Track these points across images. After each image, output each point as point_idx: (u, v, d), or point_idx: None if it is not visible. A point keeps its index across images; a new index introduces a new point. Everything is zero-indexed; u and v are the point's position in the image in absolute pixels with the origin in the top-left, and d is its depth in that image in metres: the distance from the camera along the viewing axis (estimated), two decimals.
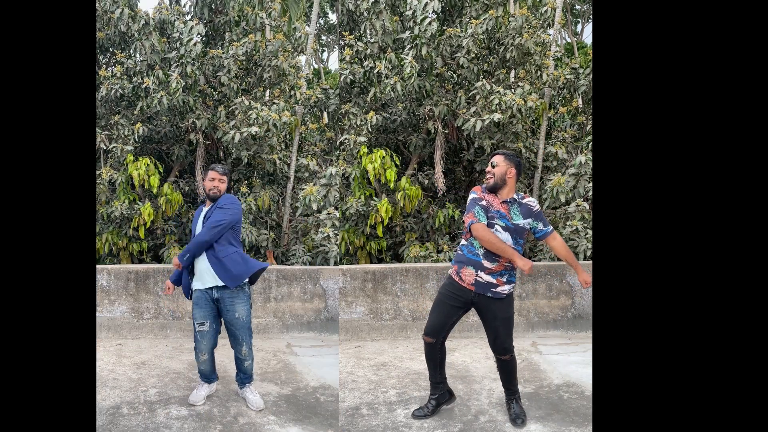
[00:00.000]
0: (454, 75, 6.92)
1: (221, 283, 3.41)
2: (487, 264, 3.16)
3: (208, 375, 3.64)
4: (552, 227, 3.29)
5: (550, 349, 4.68)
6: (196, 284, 3.49)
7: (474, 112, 6.30)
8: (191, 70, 6.53)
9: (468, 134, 6.39)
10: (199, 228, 3.49)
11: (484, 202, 3.20)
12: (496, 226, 3.17)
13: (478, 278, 3.18)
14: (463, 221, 3.30)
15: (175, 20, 6.80)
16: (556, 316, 5.20)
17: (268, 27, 7.10)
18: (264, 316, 5.23)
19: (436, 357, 3.34)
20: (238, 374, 3.64)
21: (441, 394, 3.40)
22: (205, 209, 3.55)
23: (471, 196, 3.26)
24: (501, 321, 3.20)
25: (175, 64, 6.65)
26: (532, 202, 3.27)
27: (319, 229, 6.10)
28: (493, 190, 3.21)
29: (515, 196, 3.24)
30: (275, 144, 6.94)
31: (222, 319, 3.54)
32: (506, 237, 3.16)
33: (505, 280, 3.19)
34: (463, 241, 3.31)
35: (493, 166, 3.21)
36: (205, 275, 3.44)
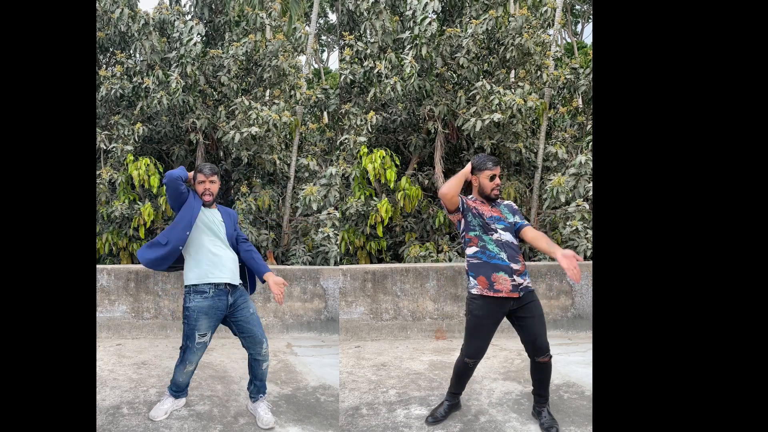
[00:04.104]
0: (454, 75, 6.93)
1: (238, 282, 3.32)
2: (515, 266, 3.11)
3: (183, 388, 3.45)
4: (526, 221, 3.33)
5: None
6: (216, 276, 3.21)
7: (474, 112, 6.31)
8: (191, 70, 6.54)
9: (468, 134, 6.40)
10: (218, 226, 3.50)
11: (474, 210, 3.22)
12: (498, 230, 3.16)
13: (515, 282, 3.11)
14: (462, 232, 3.26)
15: (175, 20, 6.80)
16: (556, 316, 5.20)
17: (268, 27, 7.11)
18: (264, 316, 5.23)
19: (469, 374, 3.34)
20: (251, 383, 3.37)
21: (457, 402, 3.42)
22: (214, 211, 3.56)
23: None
24: (538, 318, 3.16)
25: (175, 64, 6.65)
26: (507, 201, 3.37)
27: (319, 229, 6.11)
28: (493, 200, 3.24)
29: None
30: (275, 144, 6.95)
31: (234, 324, 3.31)
32: (509, 236, 3.17)
33: (528, 277, 3.21)
34: (471, 250, 3.19)
35: (500, 178, 3.24)
36: (234, 269, 3.31)
